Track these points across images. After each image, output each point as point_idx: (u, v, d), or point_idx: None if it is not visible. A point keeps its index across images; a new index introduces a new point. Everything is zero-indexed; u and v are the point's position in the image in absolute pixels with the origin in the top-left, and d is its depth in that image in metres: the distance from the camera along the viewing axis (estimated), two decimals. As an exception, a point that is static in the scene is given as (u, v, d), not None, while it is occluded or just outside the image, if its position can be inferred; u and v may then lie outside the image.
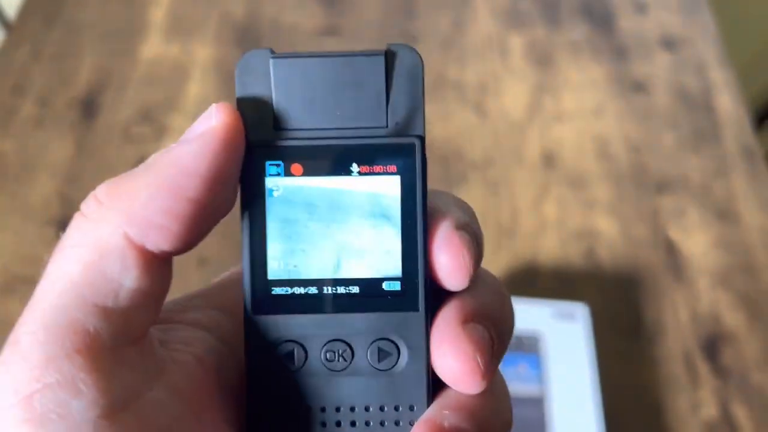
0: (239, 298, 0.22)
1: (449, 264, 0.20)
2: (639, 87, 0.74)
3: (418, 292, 0.21)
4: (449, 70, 0.74)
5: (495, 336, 0.21)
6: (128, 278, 0.18)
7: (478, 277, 0.21)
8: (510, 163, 0.68)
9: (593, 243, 0.63)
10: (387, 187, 0.21)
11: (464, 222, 0.21)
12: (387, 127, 0.21)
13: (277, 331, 0.21)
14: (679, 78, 0.75)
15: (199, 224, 0.19)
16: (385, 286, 0.21)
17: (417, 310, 0.21)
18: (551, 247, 0.62)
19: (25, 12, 0.75)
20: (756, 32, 1.17)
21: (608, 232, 0.64)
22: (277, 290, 0.21)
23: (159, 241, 0.19)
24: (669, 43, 0.78)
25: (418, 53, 0.21)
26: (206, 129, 0.19)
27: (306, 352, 0.21)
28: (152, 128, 0.67)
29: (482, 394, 0.20)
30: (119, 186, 0.19)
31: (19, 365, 0.18)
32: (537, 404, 0.51)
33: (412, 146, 0.21)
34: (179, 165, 0.19)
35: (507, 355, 0.53)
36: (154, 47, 0.73)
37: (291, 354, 0.21)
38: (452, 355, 0.20)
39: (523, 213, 0.64)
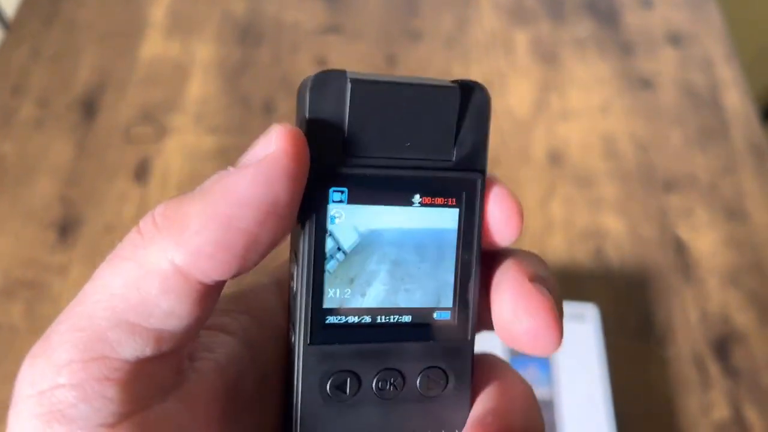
0: (267, 303, 0.21)
1: (502, 213, 0.21)
2: (645, 84, 0.74)
3: (468, 322, 0.21)
4: (453, 68, 0.73)
5: (557, 296, 0.21)
6: (165, 302, 0.18)
7: (521, 252, 0.22)
8: (516, 162, 0.67)
9: (601, 242, 0.62)
10: (446, 219, 0.21)
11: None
12: (453, 160, 0.21)
13: (331, 361, 0.21)
14: (686, 74, 0.75)
15: (251, 254, 0.18)
16: (436, 315, 0.21)
17: (466, 338, 0.22)
18: (559, 246, 0.61)
19: (23, 11, 0.75)
20: (762, 27, 1.17)
21: (616, 232, 0.63)
22: (332, 319, 0.21)
23: (208, 270, 0.18)
24: (675, 39, 0.78)
25: (487, 91, 0.21)
26: (265, 155, 0.18)
27: (359, 381, 0.21)
28: (153, 129, 0.66)
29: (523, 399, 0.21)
30: (175, 210, 0.18)
31: (42, 360, 0.18)
32: (547, 407, 0.50)
33: (475, 181, 0.21)
34: (233, 194, 0.18)
35: (516, 358, 0.52)
36: (154, 47, 0.72)
37: (344, 384, 0.21)
38: (530, 314, 0.20)
39: (529, 212, 0.63)
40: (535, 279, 0.21)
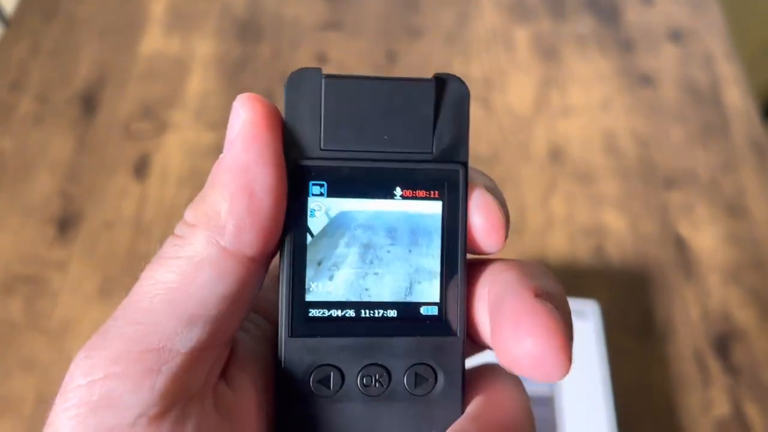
0: (271, 299, 0.22)
1: (484, 224, 0.21)
2: (646, 80, 0.73)
3: (457, 317, 0.21)
4: (454, 65, 0.73)
5: (566, 314, 0.19)
6: (221, 286, 0.19)
7: (525, 262, 0.21)
8: (516, 159, 0.67)
9: (602, 239, 0.62)
10: (429, 212, 0.21)
11: (491, 186, 0.22)
12: (432, 153, 0.21)
13: (313, 355, 0.21)
14: (687, 71, 0.75)
15: (282, 214, 0.20)
16: (422, 310, 0.21)
17: (455, 335, 0.21)
18: (559, 243, 0.61)
19: (23, 7, 0.74)
20: (763, 24, 1.16)
21: (617, 229, 0.63)
22: (314, 312, 0.21)
23: (252, 241, 0.19)
24: (676, 36, 0.77)
25: (465, 83, 0.21)
26: (241, 124, 0.19)
27: (342, 376, 0.21)
28: (153, 124, 0.66)
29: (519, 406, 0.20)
30: (200, 206, 0.20)
31: (98, 352, 0.19)
32: (548, 404, 0.50)
33: (456, 173, 0.21)
34: (238, 165, 0.19)
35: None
36: (154, 42, 0.72)
37: (327, 378, 0.21)
38: (534, 334, 0.18)
39: (530, 209, 0.63)
40: (541, 294, 0.19)
